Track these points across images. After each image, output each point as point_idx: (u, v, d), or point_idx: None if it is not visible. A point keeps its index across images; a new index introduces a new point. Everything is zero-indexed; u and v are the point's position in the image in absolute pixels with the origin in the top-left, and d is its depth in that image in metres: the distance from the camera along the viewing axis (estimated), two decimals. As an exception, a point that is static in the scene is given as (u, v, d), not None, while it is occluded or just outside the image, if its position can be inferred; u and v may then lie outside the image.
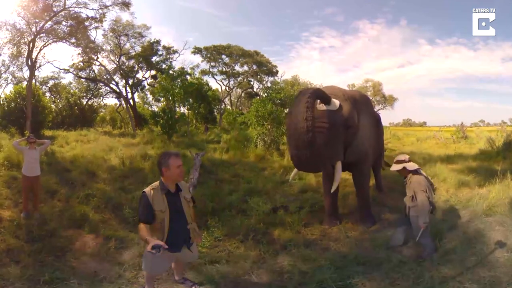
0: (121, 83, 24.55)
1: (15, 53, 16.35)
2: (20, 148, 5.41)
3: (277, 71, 33.97)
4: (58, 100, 24.71)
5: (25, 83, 17.63)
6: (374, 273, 3.52)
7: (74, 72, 22.97)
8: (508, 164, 7.64)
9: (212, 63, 32.30)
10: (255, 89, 35.40)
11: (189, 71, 25.55)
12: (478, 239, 4.05)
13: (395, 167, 4.09)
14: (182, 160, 2.91)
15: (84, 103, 24.97)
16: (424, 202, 3.74)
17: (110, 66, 23.53)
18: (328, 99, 4.46)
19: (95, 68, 23.65)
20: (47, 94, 23.56)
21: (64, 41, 16.93)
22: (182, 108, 20.48)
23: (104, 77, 23.77)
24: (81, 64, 22.16)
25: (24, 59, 16.31)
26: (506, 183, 5.66)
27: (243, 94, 37.58)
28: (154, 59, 25.25)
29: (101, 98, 27.14)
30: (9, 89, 21.11)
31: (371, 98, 30.73)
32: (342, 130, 4.58)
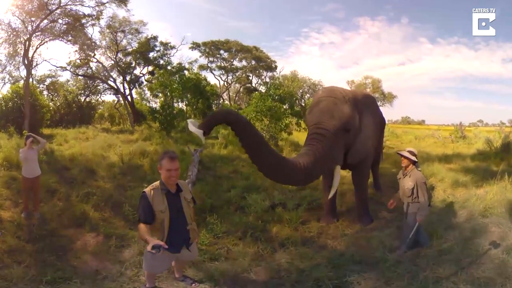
0: (119, 79, 24.34)
1: (11, 52, 16.11)
2: (22, 151, 5.21)
3: (276, 67, 33.73)
4: (56, 98, 24.39)
5: (22, 82, 17.48)
6: (370, 272, 3.58)
7: (71, 70, 22.77)
8: (506, 165, 7.67)
9: (210, 58, 32.16)
10: (253, 84, 35.27)
11: (187, 66, 25.47)
12: (474, 240, 4.09)
13: (407, 154, 4.12)
14: (180, 157, 2.93)
15: (82, 100, 24.82)
16: (426, 197, 3.93)
17: (108, 63, 23.28)
18: None
19: (93, 65, 23.42)
20: (45, 93, 23.25)
21: (60, 39, 16.72)
22: (180, 104, 20.38)
23: (102, 74, 23.58)
24: (78, 61, 21.95)
25: (21, 58, 16.10)
26: (503, 185, 5.68)
27: (241, 89, 37.42)
28: (152, 55, 24.98)
29: (99, 95, 26.85)
30: (6, 89, 20.89)
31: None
32: (341, 134, 4.51)
